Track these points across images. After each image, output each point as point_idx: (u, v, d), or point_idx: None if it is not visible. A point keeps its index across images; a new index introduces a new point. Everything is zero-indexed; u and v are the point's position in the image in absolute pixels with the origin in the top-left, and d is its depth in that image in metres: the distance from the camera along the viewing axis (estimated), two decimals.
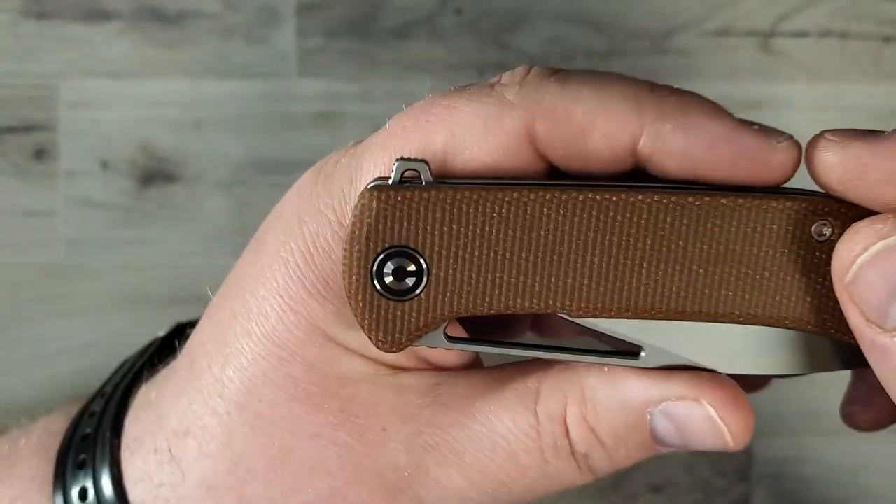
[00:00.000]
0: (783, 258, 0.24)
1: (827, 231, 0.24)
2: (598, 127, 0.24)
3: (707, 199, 0.24)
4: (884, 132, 0.23)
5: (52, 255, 0.44)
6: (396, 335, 0.25)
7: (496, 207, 0.24)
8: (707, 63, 0.45)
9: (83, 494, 0.28)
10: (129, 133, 0.44)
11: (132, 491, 0.28)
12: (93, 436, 0.29)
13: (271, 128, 0.45)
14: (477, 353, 0.28)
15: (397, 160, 0.24)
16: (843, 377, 0.44)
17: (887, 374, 0.23)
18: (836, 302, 0.24)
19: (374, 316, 0.25)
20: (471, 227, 0.24)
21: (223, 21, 0.44)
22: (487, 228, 0.24)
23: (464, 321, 0.27)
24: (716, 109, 0.25)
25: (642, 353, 0.25)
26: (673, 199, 0.24)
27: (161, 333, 0.33)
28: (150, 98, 0.44)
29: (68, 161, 0.44)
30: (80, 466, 0.28)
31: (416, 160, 0.24)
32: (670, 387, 0.25)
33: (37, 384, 0.44)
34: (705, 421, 0.26)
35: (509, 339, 0.30)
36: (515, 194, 0.24)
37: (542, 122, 0.24)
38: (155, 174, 0.44)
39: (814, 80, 0.45)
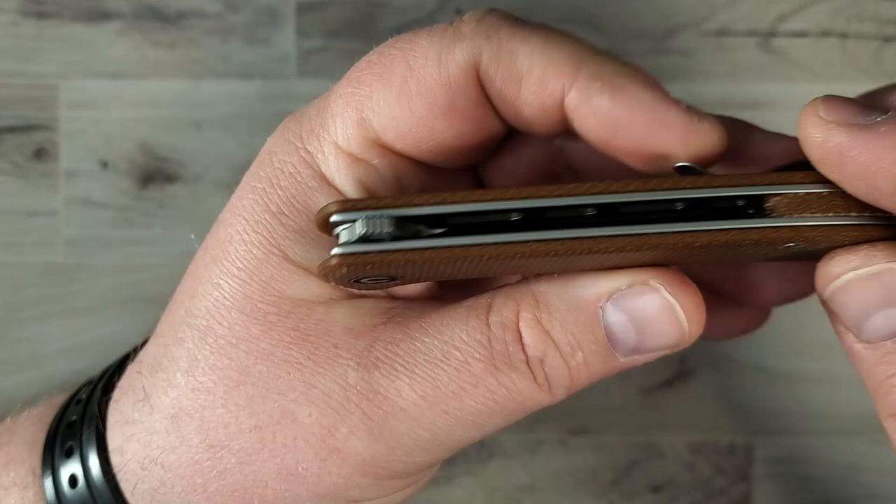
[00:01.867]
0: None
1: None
2: (534, 74, 0.25)
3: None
4: (877, 114, 0.23)
5: (52, 255, 0.44)
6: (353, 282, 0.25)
7: (466, 264, 0.24)
8: (707, 63, 0.45)
9: (69, 451, 0.28)
10: (129, 133, 0.44)
11: (111, 437, 0.28)
12: (85, 399, 0.30)
13: (271, 128, 0.44)
14: (434, 287, 0.29)
15: (364, 216, 0.24)
16: (845, 376, 0.44)
17: (862, 373, 0.25)
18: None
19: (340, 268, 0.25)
20: (440, 269, 0.25)
21: (223, 21, 0.44)
22: (457, 268, 0.25)
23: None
24: (650, 81, 0.26)
25: None
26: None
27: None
28: (150, 98, 0.44)
29: (68, 161, 0.44)
30: (70, 426, 0.29)
31: (374, 206, 0.24)
32: (619, 277, 0.26)
33: (37, 384, 0.45)
34: (658, 305, 0.26)
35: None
36: (477, 251, 0.24)
37: (486, 56, 0.26)
38: (155, 174, 0.44)
39: (814, 80, 0.45)
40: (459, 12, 0.44)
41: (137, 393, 0.28)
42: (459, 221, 0.24)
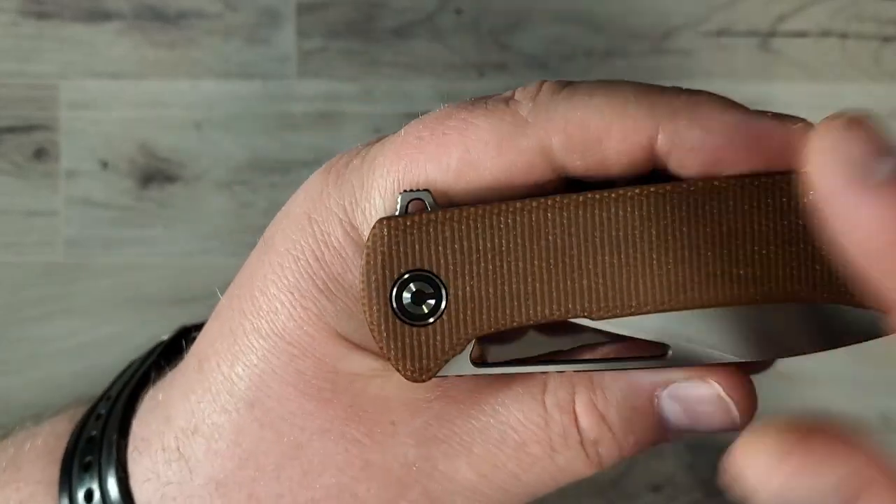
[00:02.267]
0: (786, 230, 0.25)
1: None
2: (614, 133, 0.24)
3: (700, 183, 0.24)
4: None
5: (52, 255, 0.44)
6: (423, 361, 0.25)
7: (501, 219, 0.24)
8: (707, 63, 0.45)
9: (89, 496, 0.28)
10: (129, 133, 0.44)
11: (138, 491, 0.28)
12: (98, 438, 0.29)
13: (271, 128, 0.45)
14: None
15: (400, 193, 0.24)
16: (845, 376, 0.44)
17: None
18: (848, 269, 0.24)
19: (399, 344, 0.25)
20: (480, 242, 0.25)
21: (223, 21, 0.44)
22: (497, 241, 0.25)
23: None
24: (726, 101, 0.25)
25: (669, 352, 0.26)
26: (668, 188, 0.25)
27: (165, 337, 0.33)
28: (150, 98, 0.44)
29: (68, 161, 0.44)
30: (86, 468, 0.28)
31: (418, 190, 0.24)
32: (674, 371, 0.26)
33: (37, 384, 0.44)
34: (712, 398, 0.26)
35: (527, 356, 0.30)
36: (518, 204, 0.24)
37: (557, 137, 0.25)
38: (155, 174, 0.44)
39: (813, 80, 0.45)
40: (459, 13, 0.44)
41: (170, 453, 0.27)
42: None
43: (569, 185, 0.26)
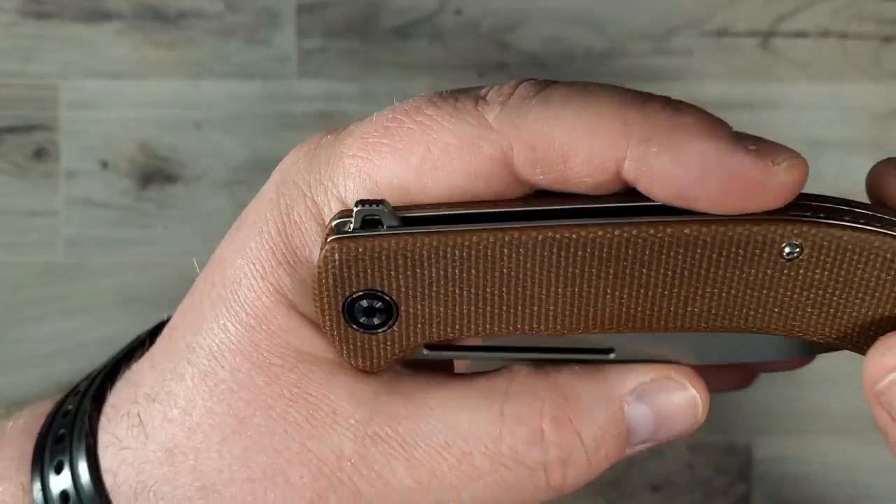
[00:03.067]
0: (750, 277, 0.24)
1: (796, 251, 0.23)
2: (580, 152, 0.23)
3: (669, 230, 0.23)
4: None
5: (52, 255, 0.44)
6: (374, 360, 0.25)
7: (456, 252, 0.24)
8: (707, 63, 0.45)
9: (59, 467, 0.28)
10: (129, 133, 0.44)
11: (103, 457, 0.27)
12: (74, 411, 0.29)
13: (271, 128, 0.45)
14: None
15: (357, 203, 0.24)
16: (844, 376, 0.44)
17: None
18: (805, 311, 0.24)
19: (352, 347, 0.25)
20: (433, 271, 0.24)
21: (223, 21, 0.44)
22: (450, 270, 0.24)
23: None
24: (710, 126, 0.23)
25: (612, 354, 0.25)
26: (634, 232, 0.23)
27: (148, 328, 0.33)
28: (150, 98, 0.44)
29: (68, 161, 0.44)
30: (59, 440, 0.28)
31: (375, 202, 0.24)
32: (640, 373, 0.25)
33: (37, 384, 0.44)
34: (682, 399, 0.25)
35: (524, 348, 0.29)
36: (475, 238, 0.23)
37: (520, 148, 0.24)
38: (155, 174, 0.44)
39: (813, 80, 0.45)
40: (459, 13, 0.44)
41: (132, 419, 0.27)
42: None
43: (538, 192, 0.25)
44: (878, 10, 0.45)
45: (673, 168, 0.22)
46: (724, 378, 0.32)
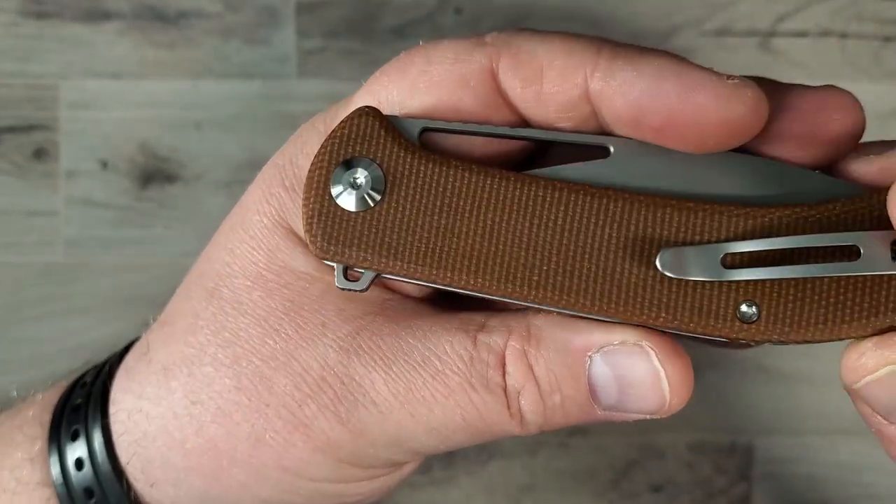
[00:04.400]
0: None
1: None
2: (555, 66, 0.25)
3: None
4: None
5: (52, 255, 0.44)
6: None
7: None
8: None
9: (75, 435, 0.29)
10: (129, 133, 0.44)
11: (113, 392, 0.29)
12: (90, 382, 0.30)
13: (271, 128, 0.45)
14: (434, 293, 0.29)
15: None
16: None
17: (892, 453, 0.26)
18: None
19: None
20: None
21: (223, 21, 0.44)
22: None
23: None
24: (673, 55, 0.25)
25: (611, 149, 0.26)
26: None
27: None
28: (150, 98, 0.44)
29: (68, 161, 0.44)
30: (75, 410, 0.30)
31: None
32: (614, 332, 0.25)
33: (37, 384, 0.44)
34: (645, 369, 0.25)
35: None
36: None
37: (505, 59, 0.25)
38: (155, 174, 0.44)
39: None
40: (459, 12, 0.44)
41: (142, 346, 0.29)
42: None
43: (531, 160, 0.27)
44: (878, 10, 0.45)
45: (634, 76, 0.24)
46: None
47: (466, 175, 0.25)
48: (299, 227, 0.27)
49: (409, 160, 0.25)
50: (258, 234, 0.28)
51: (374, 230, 0.25)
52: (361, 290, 0.26)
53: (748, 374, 0.45)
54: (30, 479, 0.29)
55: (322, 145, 0.26)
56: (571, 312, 0.25)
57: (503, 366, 0.26)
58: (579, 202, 0.25)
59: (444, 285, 0.25)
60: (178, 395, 0.28)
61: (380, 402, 0.26)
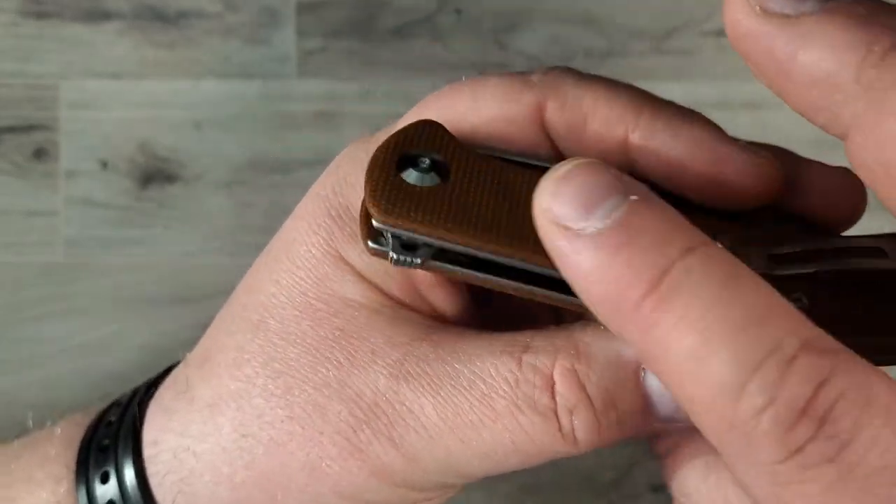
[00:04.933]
0: None
1: None
2: (599, 115, 0.26)
3: None
4: (809, 4, 0.22)
5: (52, 255, 0.44)
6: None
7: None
8: (707, 63, 0.45)
9: (105, 477, 0.29)
10: (129, 133, 0.44)
11: (147, 430, 0.29)
12: (117, 421, 0.30)
13: (271, 128, 0.45)
14: (476, 311, 0.29)
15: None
16: None
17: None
18: None
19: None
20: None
21: (223, 21, 0.44)
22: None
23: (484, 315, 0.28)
24: (709, 122, 0.26)
25: None
26: None
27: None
28: (150, 98, 0.44)
29: (68, 161, 0.44)
30: (103, 450, 0.30)
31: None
32: None
33: (37, 384, 0.44)
34: None
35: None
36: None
37: (552, 101, 0.27)
38: (155, 174, 0.44)
39: None
40: (459, 13, 0.44)
41: (180, 385, 0.29)
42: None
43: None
44: None
45: (672, 142, 0.26)
46: None
47: (521, 172, 0.26)
48: (349, 254, 0.27)
49: (471, 157, 0.26)
50: (306, 265, 0.28)
51: (437, 202, 0.25)
52: (417, 266, 0.26)
53: None
54: None
55: (386, 139, 0.26)
56: None
57: (552, 387, 0.26)
58: None
59: (505, 256, 0.25)
60: (227, 430, 0.27)
61: (430, 426, 0.26)
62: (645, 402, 0.26)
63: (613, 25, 0.44)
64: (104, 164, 0.44)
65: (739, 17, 0.23)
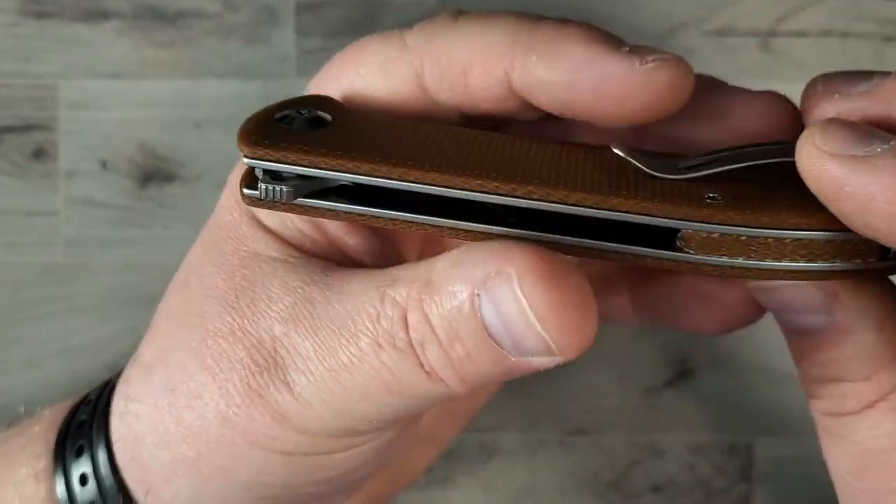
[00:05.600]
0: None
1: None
2: (476, 67, 0.25)
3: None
4: (877, 143, 0.22)
5: (52, 254, 0.44)
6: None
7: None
8: (707, 63, 0.45)
9: (79, 451, 0.29)
10: (129, 133, 0.44)
11: (115, 401, 0.30)
12: (95, 399, 0.31)
13: None
14: (389, 248, 0.29)
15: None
16: None
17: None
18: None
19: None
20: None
21: (223, 21, 0.44)
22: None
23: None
24: (587, 36, 0.24)
25: None
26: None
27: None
28: (150, 98, 0.44)
29: (68, 161, 0.44)
30: (80, 426, 0.30)
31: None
32: (493, 258, 0.22)
33: (36, 384, 0.44)
34: (511, 299, 0.22)
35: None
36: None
37: (427, 63, 0.25)
38: (155, 174, 0.44)
39: None
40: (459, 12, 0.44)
41: (136, 355, 0.30)
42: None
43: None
44: (879, 10, 0.44)
45: (547, 74, 0.24)
46: (711, 312, 0.31)
47: (405, 121, 0.26)
48: (264, 217, 0.28)
49: (359, 113, 0.26)
50: (226, 225, 0.28)
51: (317, 139, 0.25)
52: (289, 203, 0.25)
53: (748, 374, 0.45)
54: (34, 495, 0.29)
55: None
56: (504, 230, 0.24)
57: (405, 320, 0.24)
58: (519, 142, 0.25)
59: (383, 177, 0.24)
60: (160, 389, 0.28)
61: (314, 370, 0.26)
62: (488, 336, 0.23)
63: (613, 25, 0.44)
64: (104, 164, 0.44)
65: (811, 160, 0.22)
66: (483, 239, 0.24)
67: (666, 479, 0.45)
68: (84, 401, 0.31)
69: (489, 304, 0.23)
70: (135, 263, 0.44)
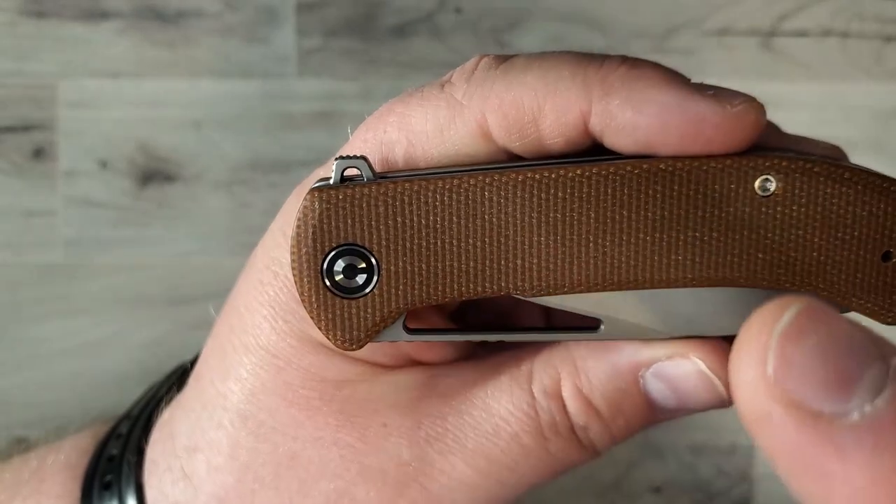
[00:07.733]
0: (729, 217, 0.24)
1: (771, 186, 0.24)
2: (547, 112, 0.24)
3: (645, 166, 0.24)
4: (858, 398, 0.15)
5: (51, 255, 0.44)
6: (354, 332, 0.25)
7: (437, 196, 0.24)
8: (708, 62, 0.44)
9: None
10: (129, 133, 0.44)
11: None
12: (118, 457, 0.29)
13: (271, 128, 0.45)
14: (466, 346, 0.28)
15: (336, 159, 0.24)
16: None
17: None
18: (788, 256, 0.24)
19: (329, 316, 0.25)
20: (415, 219, 0.24)
21: (223, 21, 0.44)
22: (432, 218, 0.24)
23: (457, 316, 0.28)
24: (666, 78, 0.24)
25: (601, 327, 0.25)
26: (611, 169, 0.24)
27: (188, 358, 0.33)
28: (150, 98, 0.44)
29: (67, 161, 0.44)
30: (107, 487, 0.29)
31: (354, 157, 0.24)
32: (657, 349, 0.25)
33: (36, 384, 0.44)
34: (697, 375, 0.25)
35: (505, 328, 0.30)
36: (455, 181, 0.24)
37: (492, 117, 0.25)
38: (154, 174, 0.44)
39: (815, 79, 0.45)
40: (459, 12, 0.44)
41: (175, 472, 0.28)
42: None
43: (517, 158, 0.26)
44: (879, 10, 0.44)
45: (635, 118, 0.24)
46: None
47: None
48: (320, 336, 0.26)
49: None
50: (284, 354, 0.26)
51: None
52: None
53: None
54: None
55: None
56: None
57: (564, 408, 0.26)
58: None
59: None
60: None
61: (465, 480, 0.26)
62: (649, 403, 0.26)
63: (614, 25, 0.44)
64: (103, 164, 0.44)
65: (754, 399, 0.15)
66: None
67: (666, 479, 0.45)
68: (101, 482, 0.29)
69: (656, 381, 0.26)
70: (134, 263, 0.44)
